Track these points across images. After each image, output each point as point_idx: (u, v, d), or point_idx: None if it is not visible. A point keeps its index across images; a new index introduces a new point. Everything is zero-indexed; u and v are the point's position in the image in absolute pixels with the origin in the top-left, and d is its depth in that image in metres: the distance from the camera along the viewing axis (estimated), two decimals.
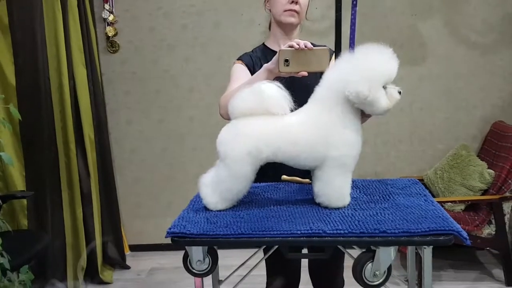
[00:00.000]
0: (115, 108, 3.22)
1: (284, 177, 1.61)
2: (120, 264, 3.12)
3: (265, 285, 1.85)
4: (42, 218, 2.67)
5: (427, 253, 1.20)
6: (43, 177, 2.66)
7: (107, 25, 3.09)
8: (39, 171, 2.65)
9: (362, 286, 1.17)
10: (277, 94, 1.27)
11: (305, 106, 1.33)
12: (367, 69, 1.23)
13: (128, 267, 3.13)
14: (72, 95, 2.77)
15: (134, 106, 3.21)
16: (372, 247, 1.15)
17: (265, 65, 1.45)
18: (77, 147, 2.80)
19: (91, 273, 2.90)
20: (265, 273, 1.82)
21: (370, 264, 1.16)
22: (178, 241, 1.19)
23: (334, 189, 1.29)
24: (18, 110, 2.55)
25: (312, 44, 1.38)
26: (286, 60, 1.35)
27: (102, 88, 3.09)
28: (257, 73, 1.48)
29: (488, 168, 2.80)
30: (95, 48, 3.00)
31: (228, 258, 1.96)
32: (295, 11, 1.63)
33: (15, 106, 2.57)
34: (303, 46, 1.34)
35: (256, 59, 1.71)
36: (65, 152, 2.76)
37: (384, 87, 1.25)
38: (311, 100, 1.33)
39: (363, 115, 1.32)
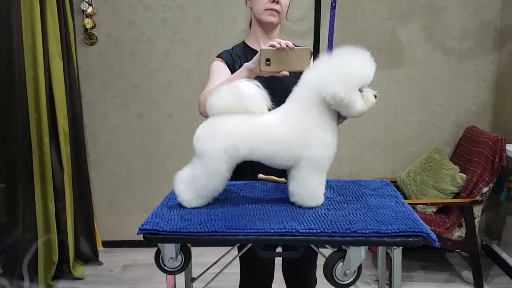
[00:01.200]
0: (91, 101, 3.17)
1: (260, 175, 1.62)
2: (92, 259, 3.08)
3: (238, 283, 1.86)
4: (13, 211, 2.61)
5: (397, 253, 1.23)
6: (15, 170, 2.60)
7: (86, 17, 3.05)
8: (11, 163, 2.59)
9: (332, 285, 1.19)
10: (255, 93, 1.28)
11: (282, 106, 1.34)
12: (344, 71, 1.24)
13: (100, 263, 3.10)
14: (47, 86, 2.71)
15: (110, 99, 3.17)
16: (343, 247, 1.17)
17: (245, 65, 1.45)
18: (50, 140, 2.75)
19: (63, 268, 2.85)
20: (238, 270, 1.83)
21: (341, 264, 1.17)
22: (150, 238, 1.18)
23: (308, 189, 1.30)
24: None
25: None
26: (268, 60, 1.36)
27: (78, 81, 3.05)
28: (237, 72, 1.48)
29: (460, 172, 2.86)
30: (73, 40, 2.95)
31: (202, 256, 1.96)
32: (276, 10, 1.64)
33: None
34: (284, 46, 1.35)
35: (236, 57, 1.71)
36: (38, 144, 2.70)
37: (361, 90, 1.27)
38: (289, 100, 1.34)
39: (340, 117, 1.34)
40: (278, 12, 1.64)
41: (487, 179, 2.68)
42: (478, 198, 2.69)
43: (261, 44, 1.68)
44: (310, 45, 1.63)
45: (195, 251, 1.38)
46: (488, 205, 3.10)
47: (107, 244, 3.31)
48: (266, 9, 1.64)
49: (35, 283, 2.72)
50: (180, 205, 1.33)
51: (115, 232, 3.31)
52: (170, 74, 3.14)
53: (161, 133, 3.21)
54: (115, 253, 3.25)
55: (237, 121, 1.28)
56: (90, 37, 3.08)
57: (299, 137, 1.27)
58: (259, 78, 1.43)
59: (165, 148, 3.22)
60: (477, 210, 2.71)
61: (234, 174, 1.33)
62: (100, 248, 3.25)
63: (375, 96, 1.30)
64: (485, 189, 2.68)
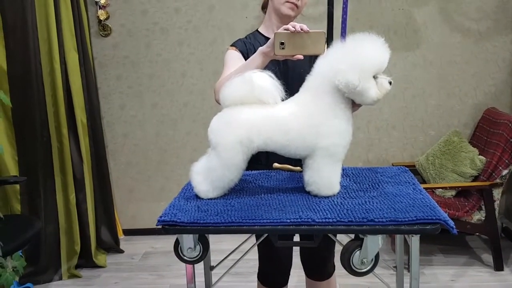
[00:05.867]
0: (107, 93, 3.20)
1: (275, 165, 1.62)
2: (114, 248, 3.14)
3: (257, 269, 1.88)
4: (35, 203, 2.67)
5: (414, 241, 1.22)
6: (36, 162, 2.66)
7: (99, 9, 3.06)
8: (31, 156, 2.65)
9: (350, 273, 1.19)
10: (267, 83, 1.27)
11: (296, 95, 1.34)
12: (357, 58, 1.23)
13: (122, 251, 3.16)
14: (63, 79, 2.75)
15: (126, 90, 3.20)
16: (360, 235, 1.17)
17: (260, 48, 1.44)
18: (69, 132, 2.79)
19: (85, 258, 2.91)
20: (257, 257, 1.84)
21: (358, 252, 1.17)
22: (169, 229, 1.20)
23: (324, 178, 1.30)
24: (9, 94, 2.55)
25: None
26: (282, 43, 1.34)
27: (94, 73, 3.07)
28: (252, 56, 1.48)
29: (480, 154, 2.82)
30: (87, 32, 2.97)
31: (221, 243, 1.98)
32: (296, 5, 1.63)
33: (7, 91, 2.55)
34: (299, 29, 1.33)
35: (249, 45, 1.70)
36: (57, 137, 2.75)
37: (375, 77, 1.25)
38: (302, 89, 1.34)
39: (354, 104, 1.33)
40: (297, 7, 1.63)
41: (506, 161, 2.64)
42: (497, 181, 2.65)
43: None
44: (324, 29, 1.61)
45: (214, 238, 1.39)
46: (508, 188, 3.06)
47: (127, 232, 3.37)
48: (287, 1, 1.62)
49: (58, 273, 2.79)
50: (197, 196, 1.34)
51: (134, 220, 3.37)
52: (184, 63, 3.15)
53: (176, 123, 3.23)
54: (135, 241, 3.30)
55: (250, 112, 1.28)
56: (104, 29, 3.10)
57: (313, 127, 1.27)
58: (273, 67, 1.42)
59: (180, 138, 3.24)
60: (497, 193, 2.68)
61: (249, 163, 1.33)
62: (121, 236, 3.31)
63: (390, 83, 1.28)
64: (504, 172, 2.64)
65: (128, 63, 3.16)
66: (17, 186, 2.60)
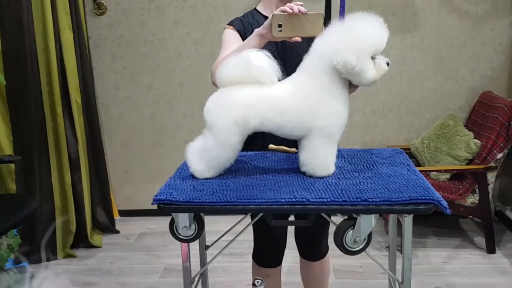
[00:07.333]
0: (102, 73, 3.17)
1: (271, 146, 1.62)
2: (109, 228, 3.15)
3: (251, 250, 1.89)
4: (30, 182, 2.67)
5: (407, 221, 1.23)
6: (31, 142, 2.65)
7: None
8: (26, 135, 2.64)
9: (343, 252, 1.21)
10: (264, 63, 1.26)
11: (293, 75, 1.33)
12: (356, 38, 1.21)
13: (117, 232, 3.17)
14: (58, 58, 2.72)
15: (121, 70, 3.17)
16: (354, 215, 1.18)
17: (256, 30, 1.43)
18: (64, 111, 2.78)
19: (81, 238, 2.93)
20: (252, 238, 1.86)
21: (351, 231, 1.18)
22: (164, 208, 1.20)
23: (319, 158, 1.30)
24: (4, 72, 2.52)
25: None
26: (279, 25, 1.33)
27: (88, 52, 3.04)
28: (248, 38, 1.46)
29: (475, 138, 2.83)
30: (82, 10, 2.93)
31: (216, 224, 1.99)
32: None
33: (1, 69, 2.53)
34: (297, 11, 1.32)
35: (247, 24, 1.68)
36: (52, 116, 2.73)
37: (373, 58, 1.25)
38: (300, 69, 1.33)
39: (351, 86, 1.33)
40: None
41: (501, 145, 2.65)
42: (492, 164, 2.66)
43: (274, 11, 1.65)
44: (322, 10, 1.60)
45: (209, 219, 1.39)
46: (502, 171, 3.08)
47: (123, 213, 3.39)
48: None
49: (54, 253, 2.80)
50: (193, 176, 1.35)
51: (130, 201, 3.38)
52: (180, 43, 3.12)
53: (172, 104, 3.21)
54: (131, 221, 3.32)
55: (247, 92, 1.27)
56: (99, 7, 3.06)
57: (310, 107, 1.26)
58: (270, 46, 1.40)
59: (176, 119, 3.23)
60: (491, 176, 2.70)
61: (245, 145, 1.33)
62: (116, 217, 3.32)
63: (388, 64, 1.27)
64: (499, 155, 2.66)
65: (123, 43, 3.13)
66: (12, 166, 2.59)
